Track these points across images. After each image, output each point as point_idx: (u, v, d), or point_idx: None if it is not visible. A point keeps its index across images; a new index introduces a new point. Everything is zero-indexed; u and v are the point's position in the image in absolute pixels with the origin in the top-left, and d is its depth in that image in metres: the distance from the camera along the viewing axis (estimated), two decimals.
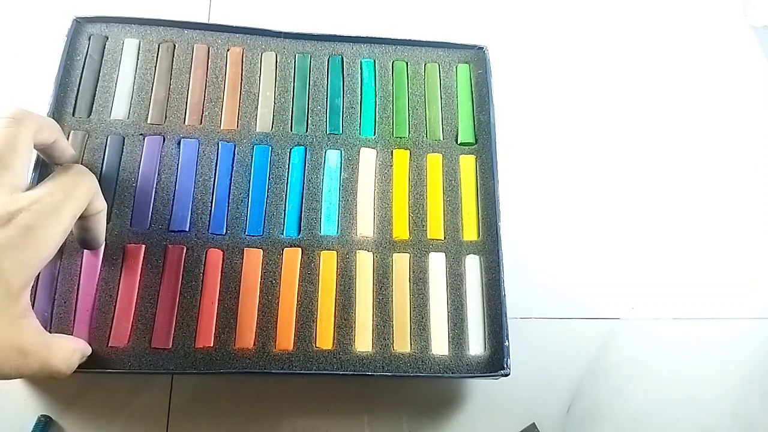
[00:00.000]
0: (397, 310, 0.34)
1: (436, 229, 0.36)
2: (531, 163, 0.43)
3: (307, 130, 0.38)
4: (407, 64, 0.40)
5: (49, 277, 0.32)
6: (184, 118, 0.37)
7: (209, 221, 0.35)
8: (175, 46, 0.39)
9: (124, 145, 0.36)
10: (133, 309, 0.33)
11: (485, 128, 0.39)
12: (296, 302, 0.34)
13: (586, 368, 0.38)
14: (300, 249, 0.35)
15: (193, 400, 0.35)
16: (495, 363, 0.33)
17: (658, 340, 0.40)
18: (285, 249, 0.35)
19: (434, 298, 0.35)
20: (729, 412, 0.38)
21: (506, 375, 0.33)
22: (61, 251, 0.33)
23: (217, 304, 0.33)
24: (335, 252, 0.35)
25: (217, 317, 0.33)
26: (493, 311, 0.34)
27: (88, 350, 0.31)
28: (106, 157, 0.35)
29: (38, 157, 0.34)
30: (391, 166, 0.38)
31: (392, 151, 0.38)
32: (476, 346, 0.34)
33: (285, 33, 0.39)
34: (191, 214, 0.35)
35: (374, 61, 0.40)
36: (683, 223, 0.43)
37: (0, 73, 0.41)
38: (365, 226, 0.36)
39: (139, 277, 0.33)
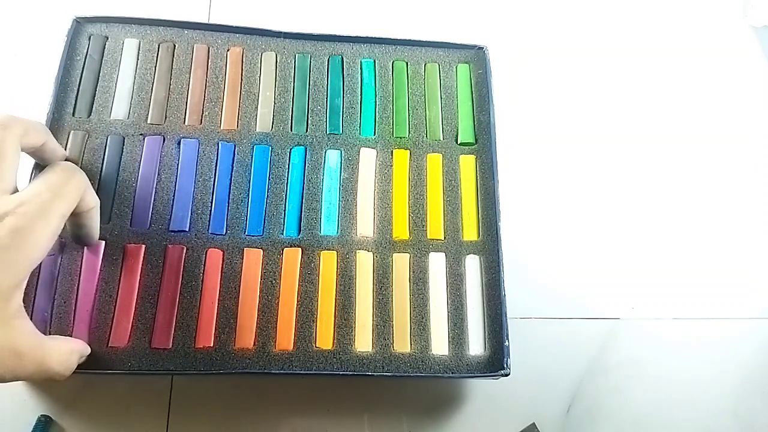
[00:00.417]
0: (397, 310, 0.34)
1: (436, 229, 0.36)
2: (531, 163, 0.43)
3: (307, 130, 0.38)
4: (407, 64, 0.40)
5: (49, 277, 0.32)
6: (184, 118, 0.37)
7: (209, 221, 0.35)
8: (175, 46, 0.39)
9: (124, 145, 0.36)
10: (133, 309, 0.33)
11: (485, 128, 0.39)
12: (296, 302, 0.34)
13: (586, 368, 0.38)
14: (300, 249, 0.35)
15: (193, 400, 0.35)
16: (495, 363, 0.33)
17: (658, 340, 0.40)
18: (285, 249, 0.35)
19: (434, 298, 0.35)
20: (729, 412, 0.38)
21: (506, 375, 0.33)
22: (62, 251, 0.33)
23: (217, 304, 0.33)
24: (335, 252, 0.35)
25: (217, 317, 0.33)
26: (493, 311, 0.34)
27: (87, 350, 0.31)
28: (106, 157, 0.35)
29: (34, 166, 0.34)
30: (391, 166, 0.38)
31: (392, 151, 0.38)
32: (476, 346, 0.34)
33: (285, 33, 0.39)
34: (191, 214, 0.35)
35: (374, 61, 0.40)
36: (683, 223, 0.43)
37: (0, 73, 0.41)
38: (365, 226, 0.36)
39: (139, 277, 0.33)
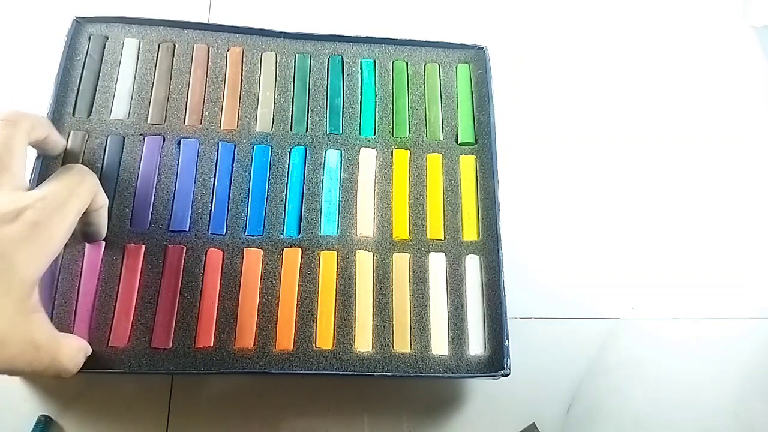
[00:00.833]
0: (397, 310, 0.34)
1: (436, 229, 0.36)
2: (531, 163, 0.43)
3: (307, 130, 0.38)
4: (407, 64, 0.40)
5: (50, 277, 0.32)
6: (184, 118, 0.37)
7: (209, 221, 0.35)
8: (175, 46, 0.39)
9: (124, 145, 0.36)
10: (133, 309, 0.33)
11: (485, 128, 0.39)
12: (296, 302, 0.34)
13: (586, 368, 0.38)
14: (300, 249, 0.35)
15: (193, 400, 0.35)
16: (495, 363, 0.33)
17: (658, 340, 0.40)
18: (285, 249, 0.35)
19: (434, 298, 0.35)
20: (729, 412, 0.38)
21: (506, 375, 0.33)
22: (63, 250, 0.33)
23: (217, 304, 0.33)
24: (335, 252, 0.35)
25: (217, 317, 0.33)
26: (493, 311, 0.34)
27: (89, 350, 0.31)
28: (106, 157, 0.35)
29: (37, 157, 0.34)
30: (391, 166, 0.38)
31: (392, 151, 0.38)
32: (476, 346, 0.34)
33: (285, 33, 0.39)
34: (191, 214, 0.35)
35: (374, 61, 0.40)
36: (683, 223, 0.43)
37: (0, 73, 0.41)
38: (365, 226, 0.36)
39: (139, 277, 0.33)
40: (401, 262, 0.35)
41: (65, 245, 0.33)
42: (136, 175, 0.35)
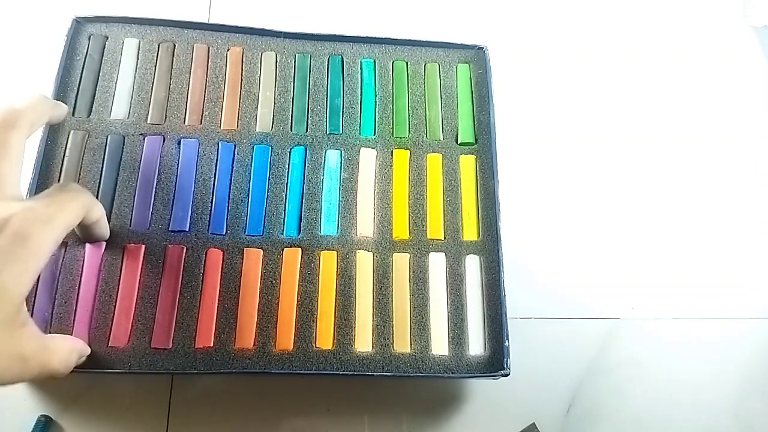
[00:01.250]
0: (397, 310, 0.34)
1: (436, 229, 0.36)
2: (531, 163, 0.43)
3: (307, 130, 0.38)
4: (407, 64, 0.40)
5: (50, 277, 0.32)
6: (184, 118, 0.37)
7: (209, 221, 0.35)
8: (175, 46, 0.38)
9: (124, 145, 0.36)
10: (133, 309, 0.33)
11: (485, 128, 0.39)
12: (296, 302, 0.34)
13: (586, 368, 0.38)
14: (300, 249, 0.35)
15: (193, 400, 0.35)
16: (495, 363, 0.33)
17: (658, 340, 0.40)
18: (285, 249, 0.35)
19: (434, 298, 0.35)
20: (729, 412, 0.38)
21: (506, 375, 0.33)
22: (63, 250, 0.33)
23: (217, 304, 0.33)
24: (335, 252, 0.35)
25: (217, 317, 0.33)
26: (493, 311, 0.34)
27: (87, 350, 0.31)
28: (106, 157, 0.35)
29: (37, 157, 0.34)
30: (391, 166, 0.38)
31: (392, 151, 0.38)
32: (476, 346, 0.34)
33: (285, 33, 0.39)
34: (191, 214, 0.35)
35: (374, 61, 0.40)
36: (683, 223, 0.43)
37: (0, 73, 0.41)
38: (365, 226, 0.36)
39: (139, 277, 0.33)
40: (401, 262, 0.35)
41: (66, 247, 0.33)
42: (136, 175, 0.35)
